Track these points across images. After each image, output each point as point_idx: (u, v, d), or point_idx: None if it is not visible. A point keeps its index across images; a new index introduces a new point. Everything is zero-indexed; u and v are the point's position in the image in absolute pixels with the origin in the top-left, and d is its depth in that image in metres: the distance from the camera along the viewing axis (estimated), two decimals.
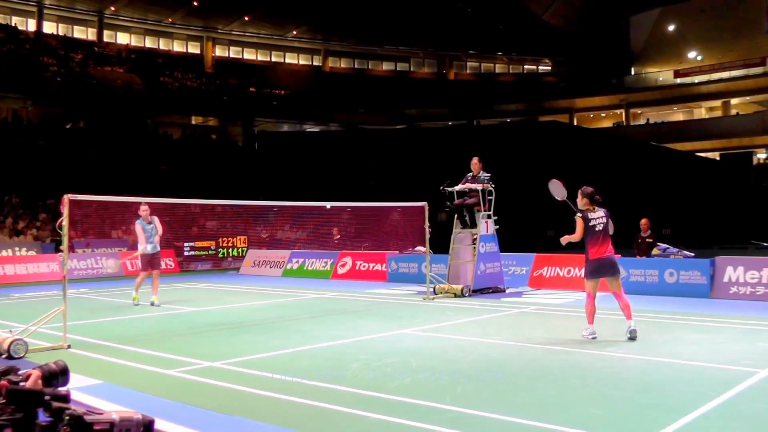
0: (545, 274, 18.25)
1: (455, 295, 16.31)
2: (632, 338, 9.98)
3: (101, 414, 2.07)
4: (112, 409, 2.11)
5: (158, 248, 16.01)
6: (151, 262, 15.87)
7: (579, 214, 10.32)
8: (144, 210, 15.66)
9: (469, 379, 7.85)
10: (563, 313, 13.46)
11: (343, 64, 66.31)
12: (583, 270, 17.27)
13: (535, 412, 6.45)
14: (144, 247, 15.71)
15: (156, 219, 15.99)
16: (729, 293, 15.40)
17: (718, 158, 54.29)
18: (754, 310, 13.50)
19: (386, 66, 67.48)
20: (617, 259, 10.35)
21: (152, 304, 15.53)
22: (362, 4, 54.41)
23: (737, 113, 57.87)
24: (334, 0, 53.40)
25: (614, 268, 10.26)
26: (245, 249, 27.83)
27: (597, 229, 10.19)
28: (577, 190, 10.49)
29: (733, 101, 58.26)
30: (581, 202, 10.47)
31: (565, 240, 10.51)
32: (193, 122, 53.81)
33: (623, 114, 62.24)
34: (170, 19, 56.32)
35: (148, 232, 15.71)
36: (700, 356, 8.92)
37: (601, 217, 10.30)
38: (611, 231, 10.37)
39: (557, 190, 11.24)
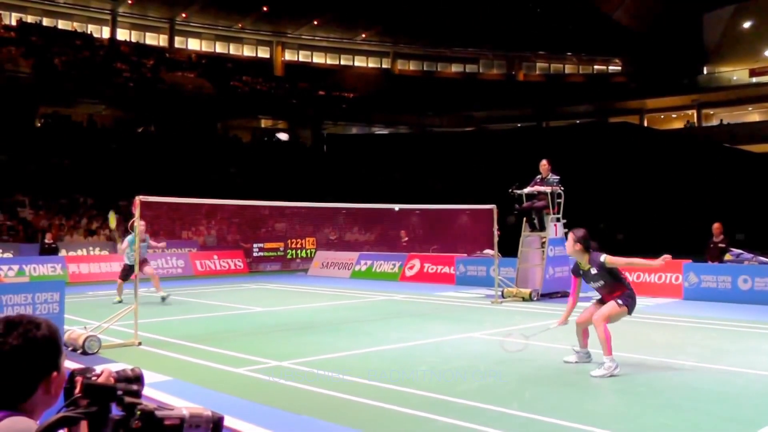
0: None
1: (523, 299, 16.13)
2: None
3: (172, 410, 2.08)
4: (182, 405, 2.12)
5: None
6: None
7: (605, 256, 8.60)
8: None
9: (536, 384, 7.77)
10: (631, 320, 13.19)
11: (411, 66, 66.22)
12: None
13: (603, 419, 6.35)
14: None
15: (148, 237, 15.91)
16: None
17: None
18: None
19: (455, 68, 67.13)
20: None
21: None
22: (431, 6, 54.33)
23: None
24: (403, 2, 53.42)
25: None
26: (314, 250, 28.00)
27: None
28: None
29: None
30: (576, 247, 8.74)
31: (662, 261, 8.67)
32: (263, 125, 54.45)
33: (695, 115, 60.88)
34: (240, 25, 57.06)
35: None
36: None
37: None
38: None
39: None
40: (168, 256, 24.45)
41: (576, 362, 8.89)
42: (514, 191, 16.99)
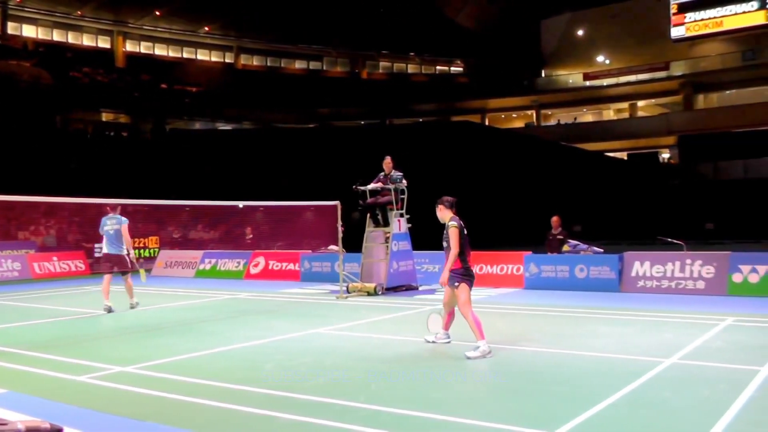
0: None
1: (368, 294, 16.38)
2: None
3: (5, 424, 2.04)
4: (18, 419, 2.09)
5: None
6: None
7: (455, 223, 9.33)
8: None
9: (383, 377, 7.93)
10: (475, 309, 13.63)
11: (255, 61, 65.62)
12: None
13: (450, 407, 6.58)
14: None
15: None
16: (637, 287, 16.02)
17: (625, 158, 55.87)
18: (660, 302, 14.04)
19: (299, 64, 67.09)
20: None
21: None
22: (275, 2, 54.06)
23: (643, 115, 59.79)
24: None
25: None
26: (157, 250, 27.33)
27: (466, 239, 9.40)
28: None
29: (640, 103, 60.18)
30: (447, 212, 9.66)
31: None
32: (104, 119, 52.59)
33: (534, 115, 63.45)
34: (79, 12, 54.84)
35: None
36: (611, 348, 9.26)
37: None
38: None
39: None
40: (3, 259, 23.24)
41: (434, 342, 9.69)
42: (358, 187, 17.25)
